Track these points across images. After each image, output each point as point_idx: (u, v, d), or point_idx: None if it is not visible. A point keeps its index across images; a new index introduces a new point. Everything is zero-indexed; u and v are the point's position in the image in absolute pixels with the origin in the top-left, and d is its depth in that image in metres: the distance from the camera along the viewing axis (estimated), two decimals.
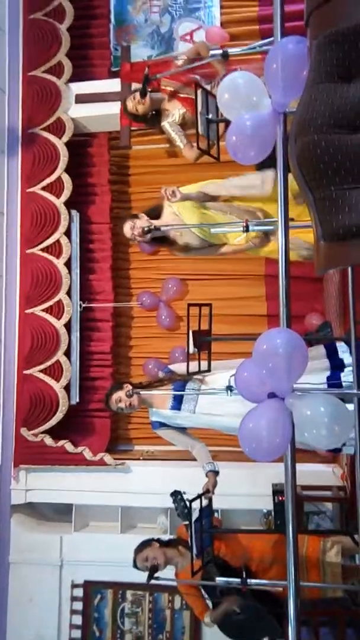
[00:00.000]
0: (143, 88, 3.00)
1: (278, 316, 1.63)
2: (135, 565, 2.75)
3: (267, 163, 1.72)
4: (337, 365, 2.48)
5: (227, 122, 1.79)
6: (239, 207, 2.78)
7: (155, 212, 2.92)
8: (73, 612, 4.06)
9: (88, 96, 4.21)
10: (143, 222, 2.83)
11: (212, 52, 2.76)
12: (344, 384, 2.40)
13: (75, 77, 4.24)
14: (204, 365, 2.49)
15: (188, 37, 4.28)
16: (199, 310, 2.42)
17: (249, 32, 4.05)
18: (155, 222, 2.81)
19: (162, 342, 4.53)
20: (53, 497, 4.19)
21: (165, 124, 3.13)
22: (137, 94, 3.04)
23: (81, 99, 4.23)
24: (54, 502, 4.25)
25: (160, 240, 2.92)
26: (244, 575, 2.31)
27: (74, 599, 4.07)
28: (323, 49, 1.13)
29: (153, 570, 2.64)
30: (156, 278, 4.58)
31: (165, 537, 3.36)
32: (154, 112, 3.15)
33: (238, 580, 2.27)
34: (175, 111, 3.10)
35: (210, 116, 2.51)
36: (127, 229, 2.88)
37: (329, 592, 2.77)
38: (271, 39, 1.75)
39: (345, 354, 2.47)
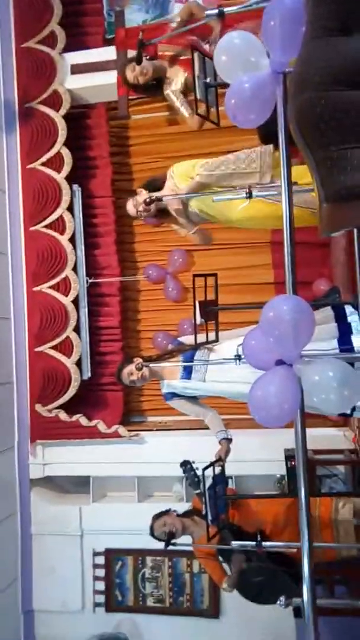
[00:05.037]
0: (138, 54, 2.90)
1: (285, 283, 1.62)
2: (152, 533, 2.81)
3: (272, 129, 1.67)
4: (345, 331, 2.47)
5: (226, 85, 1.74)
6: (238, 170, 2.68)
7: (154, 185, 2.87)
8: (96, 578, 4.19)
9: (84, 66, 4.12)
10: (143, 196, 2.79)
11: (207, 12, 2.65)
12: (355, 347, 2.39)
13: (70, 47, 4.14)
14: (211, 335, 2.49)
15: None
16: (205, 281, 2.41)
17: None
18: (156, 194, 2.77)
19: (170, 314, 4.53)
20: (70, 470, 4.29)
21: (169, 92, 3.03)
22: (135, 64, 2.94)
23: (77, 69, 4.13)
24: (72, 475, 4.34)
25: (166, 213, 2.87)
26: (259, 539, 2.36)
27: (95, 566, 4.20)
28: (319, 2, 1.08)
29: (170, 536, 2.70)
30: (161, 250, 4.55)
31: (181, 505, 3.43)
32: (154, 82, 3.06)
33: (253, 543, 2.32)
34: (177, 78, 3.00)
35: (208, 80, 2.43)
36: (130, 207, 2.84)
37: (343, 552, 2.82)
38: None
39: (353, 315, 2.45)
